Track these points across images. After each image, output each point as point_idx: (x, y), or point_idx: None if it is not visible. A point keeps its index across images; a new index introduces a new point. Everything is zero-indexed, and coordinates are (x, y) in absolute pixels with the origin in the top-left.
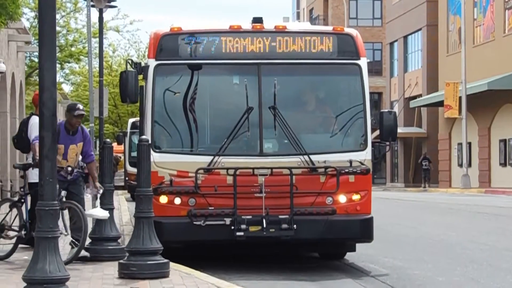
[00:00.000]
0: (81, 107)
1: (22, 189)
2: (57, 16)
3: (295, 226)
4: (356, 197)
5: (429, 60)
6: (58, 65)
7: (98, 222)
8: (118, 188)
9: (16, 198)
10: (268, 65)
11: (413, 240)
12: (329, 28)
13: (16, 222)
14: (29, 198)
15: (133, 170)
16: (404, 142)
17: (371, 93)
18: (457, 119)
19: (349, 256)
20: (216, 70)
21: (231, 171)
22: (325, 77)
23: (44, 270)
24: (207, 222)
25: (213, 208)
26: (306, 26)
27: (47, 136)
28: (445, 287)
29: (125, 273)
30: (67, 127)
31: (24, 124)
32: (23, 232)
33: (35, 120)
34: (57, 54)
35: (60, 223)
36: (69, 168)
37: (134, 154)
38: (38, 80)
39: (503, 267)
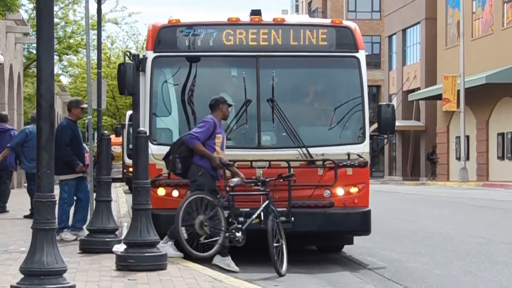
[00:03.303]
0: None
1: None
2: (55, 8)
3: (292, 218)
4: (354, 190)
5: (428, 53)
6: (56, 57)
7: (95, 214)
8: (116, 180)
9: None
10: (266, 58)
11: (410, 233)
12: (327, 21)
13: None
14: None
15: (131, 162)
16: (402, 135)
17: (369, 86)
18: (455, 113)
19: (347, 249)
20: (214, 63)
21: None
22: (323, 69)
23: (41, 262)
24: None
25: None
26: (304, 18)
27: (45, 127)
28: (442, 280)
29: (123, 265)
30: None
31: None
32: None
33: None
34: (55, 46)
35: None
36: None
37: None
38: (36, 71)
39: (500, 260)
